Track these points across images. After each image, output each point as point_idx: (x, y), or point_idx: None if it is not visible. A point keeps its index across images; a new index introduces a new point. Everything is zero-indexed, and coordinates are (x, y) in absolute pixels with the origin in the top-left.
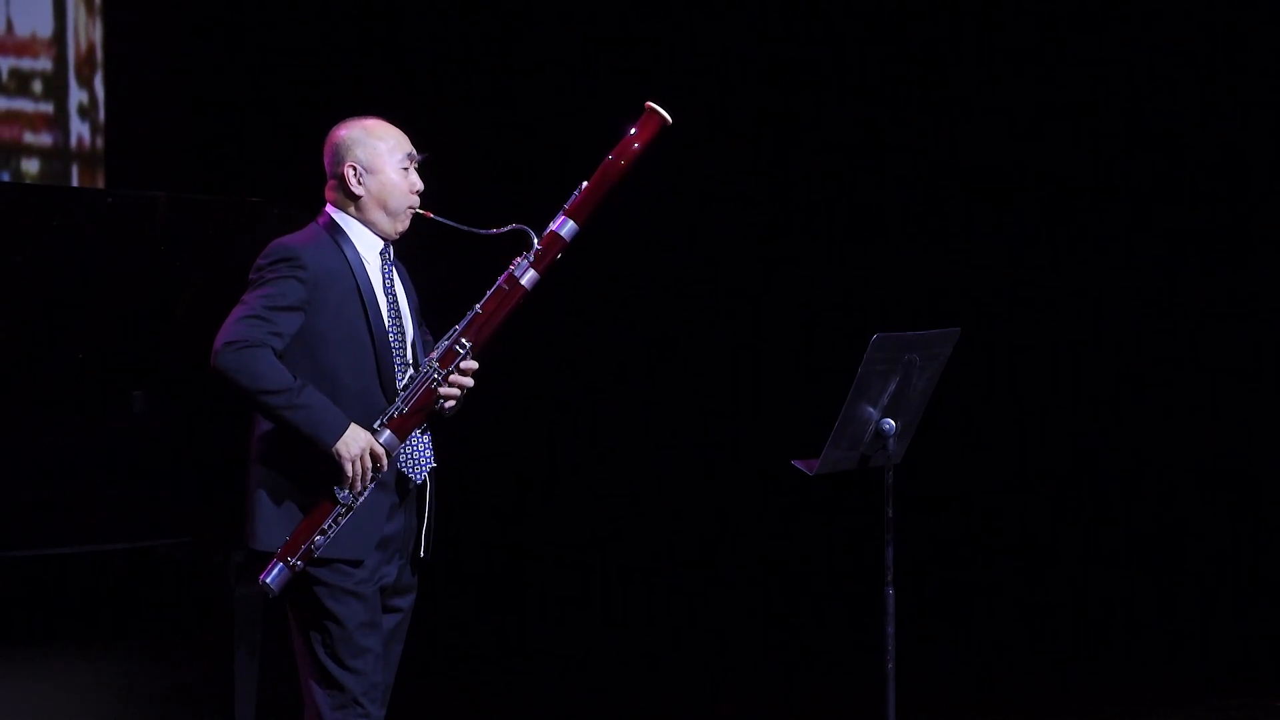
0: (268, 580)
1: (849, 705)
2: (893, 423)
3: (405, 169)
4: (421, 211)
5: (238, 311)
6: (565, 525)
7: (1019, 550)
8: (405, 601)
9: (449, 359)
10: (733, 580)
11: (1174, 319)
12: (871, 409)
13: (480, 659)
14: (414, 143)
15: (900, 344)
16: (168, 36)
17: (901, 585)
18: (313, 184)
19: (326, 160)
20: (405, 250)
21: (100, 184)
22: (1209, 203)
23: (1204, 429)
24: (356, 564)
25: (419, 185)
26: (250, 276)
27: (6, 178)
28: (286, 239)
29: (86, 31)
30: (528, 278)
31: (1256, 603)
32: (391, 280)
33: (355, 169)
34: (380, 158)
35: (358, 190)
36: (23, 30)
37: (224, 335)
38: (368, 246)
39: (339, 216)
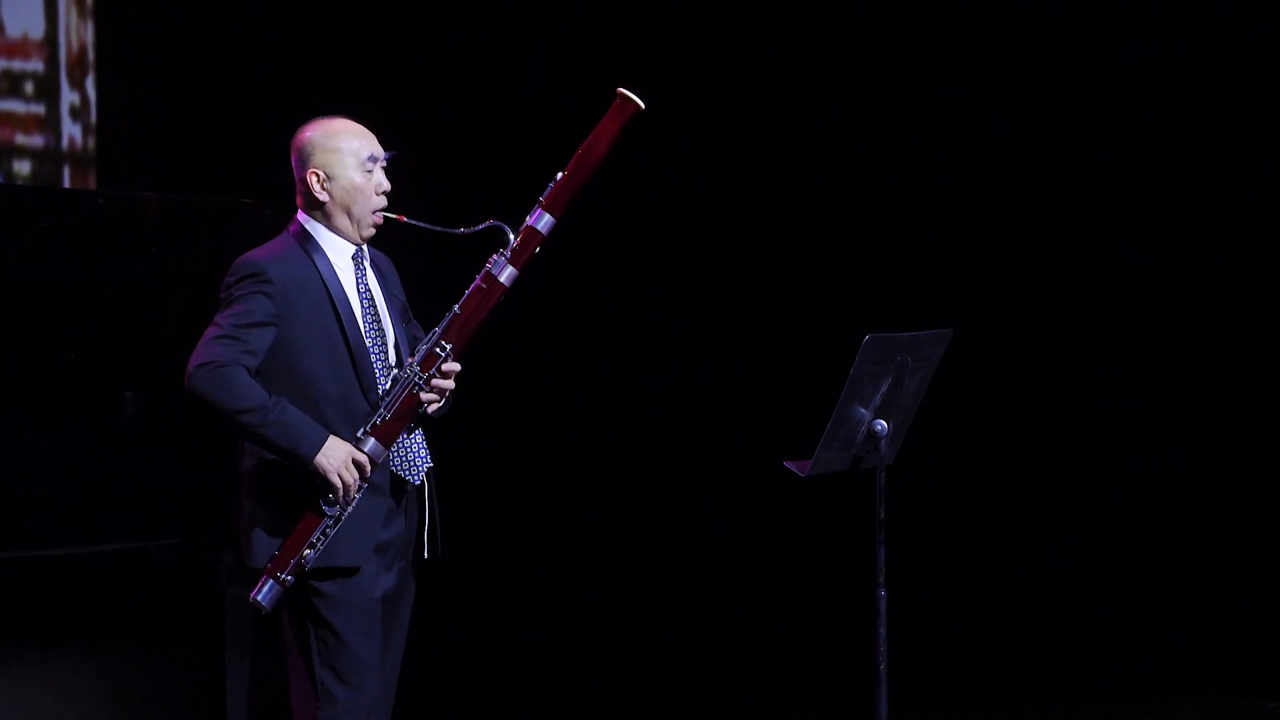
0: (258, 598)
1: (841, 706)
2: (885, 424)
3: (370, 171)
4: (394, 215)
5: (209, 333)
6: (559, 525)
7: (1013, 551)
8: (404, 606)
9: (430, 362)
10: (725, 580)
11: (1171, 319)
12: (864, 410)
13: (475, 658)
14: (391, 140)
15: (892, 345)
16: (160, 38)
17: (893, 586)
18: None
19: (292, 164)
20: (380, 248)
21: (92, 185)
22: (1207, 203)
23: (1202, 429)
24: (353, 572)
25: (385, 186)
26: (220, 295)
27: None
28: (252, 254)
29: (78, 33)
30: (506, 274)
31: (1255, 603)
32: (366, 283)
33: (318, 175)
34: (342, 162)
35: (321, 196)
36: (14, 31)
37: (196, 358)
38: (338, 252)
39: (308, 223)
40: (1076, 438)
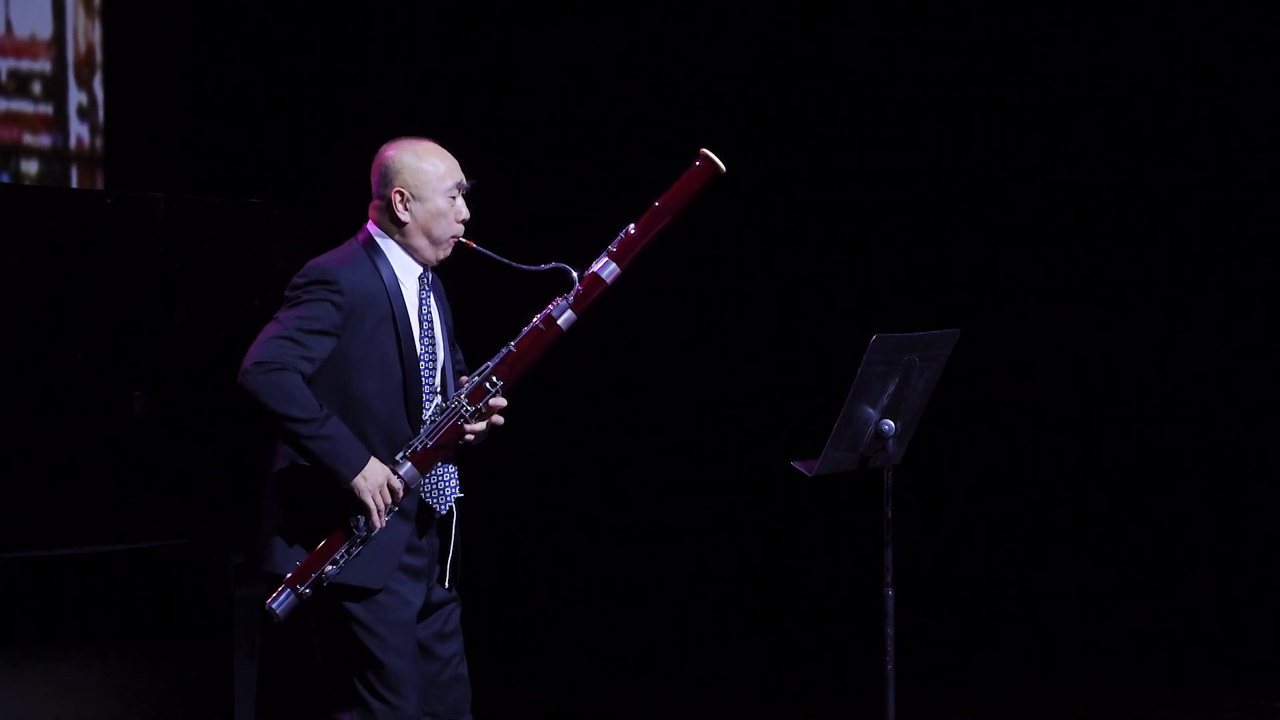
0: (274, 606)
1: (849, 707)
2: (892, 424)
3: (453, 197)
4: (464, 240)
5: (270, 330)
6: (560, 525)
7: (1019, 551)
8: (444, 613)
9: (478, 396)
10: (732, 581)
11: (1174, 319)
12: (871, 410)
13: (479, 656)
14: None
15: (900, 345)
16: (167, 38)
17: (901, 586)
18: (308, 186)
19: (373, 180)
20: (443, 276)
21: (99, 185)
22: (1208, 202)
23: (1204, 429)
24: (374, 592)
25: (465, 214)
26: (285, 294)
27: (6, 179)
28: (324, 259)
29: (86, 33)
30: (565, 319)
31: (1256, 603)
32: (429, 306)
33: (403, 194)
34: (429, 185)
35: (404, 216)
36: (22, 31)
37: (254, 355)
38: (406, 271)
39: (380, 238)
40: (1083, 438)
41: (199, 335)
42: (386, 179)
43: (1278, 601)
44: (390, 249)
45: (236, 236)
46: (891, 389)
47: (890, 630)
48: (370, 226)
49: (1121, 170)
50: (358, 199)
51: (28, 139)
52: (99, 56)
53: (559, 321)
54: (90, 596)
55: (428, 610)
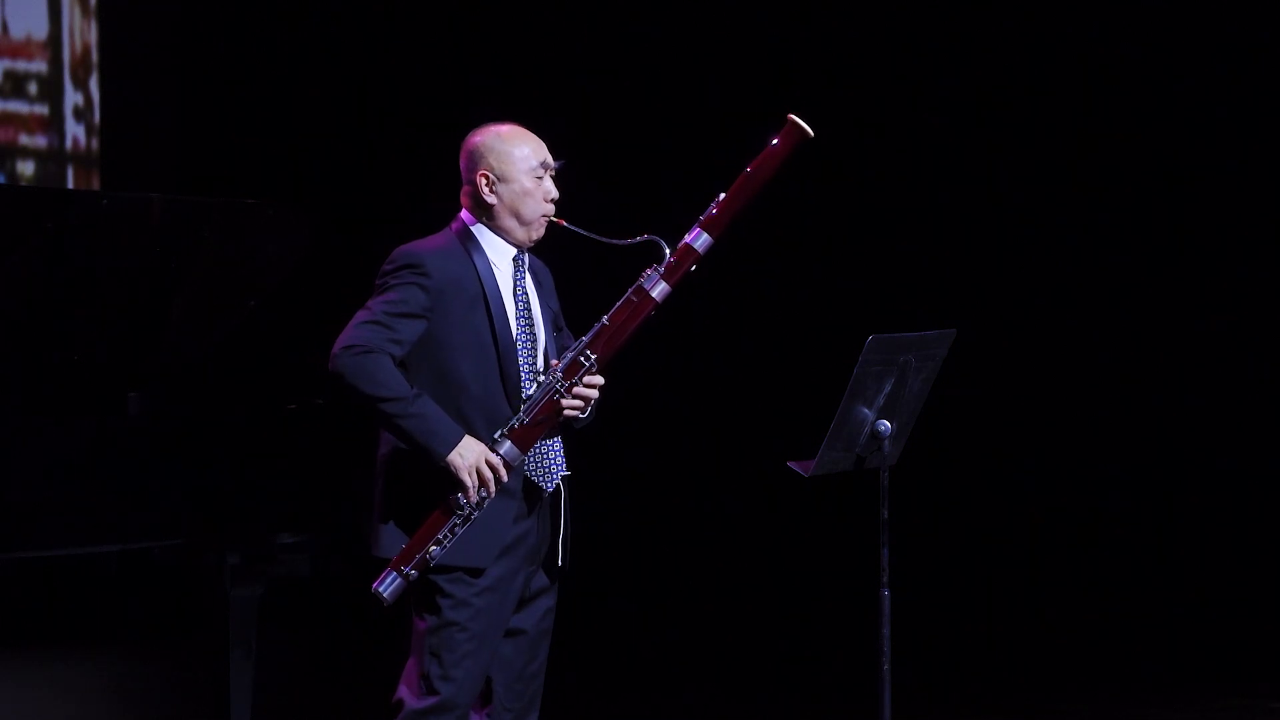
0: (380, 589)
1: (845, 707)
2: (888, 424)
3: (540, 178)
4: (555, 219)
5: (360, 316)
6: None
7: (1015, 551)
8: (542, 606)
9: (573, 371)
10: (729, 581)
11: (1172, 319)
12: (867, 410)
13: None
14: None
15: (896, 345)
16: (163, 38)
17: (897, 587)
18: (304, 186)
19: (462, 167)
20: (537, 256)
21: (95, 186)
22: (1207, 203)
23: (1203, 429)
24: (477, 573)
25: (554, 194)
26: (375, 282)
27: (2, 179)
28: (413, 245)
29: (82, 33)
30: (658, 290)
31: (1256, 603)
32: (524, 287)
33: (488, 177)
34: (513, 166)
35: (489, 199)
36: (18, 32)
37: (344, 339)
38: (500, 254)
39: (472, 224)
40: (1079, 438)
41: (195, 336)
42: (473, 164)
43: (1277, 601)
44: (482, 233)
45: (232, 237)
46: (887, 389)
47: (886, 630)
48: (463, 213)
49: (1121, 170)
50: (357, 199)
51: (24, 140)
52: (95, 57)
53: (652, 293)
54: (86, 597)
55: (527, 599)
